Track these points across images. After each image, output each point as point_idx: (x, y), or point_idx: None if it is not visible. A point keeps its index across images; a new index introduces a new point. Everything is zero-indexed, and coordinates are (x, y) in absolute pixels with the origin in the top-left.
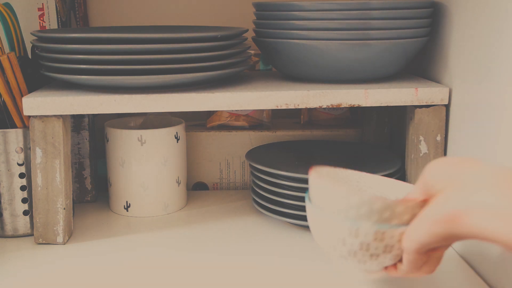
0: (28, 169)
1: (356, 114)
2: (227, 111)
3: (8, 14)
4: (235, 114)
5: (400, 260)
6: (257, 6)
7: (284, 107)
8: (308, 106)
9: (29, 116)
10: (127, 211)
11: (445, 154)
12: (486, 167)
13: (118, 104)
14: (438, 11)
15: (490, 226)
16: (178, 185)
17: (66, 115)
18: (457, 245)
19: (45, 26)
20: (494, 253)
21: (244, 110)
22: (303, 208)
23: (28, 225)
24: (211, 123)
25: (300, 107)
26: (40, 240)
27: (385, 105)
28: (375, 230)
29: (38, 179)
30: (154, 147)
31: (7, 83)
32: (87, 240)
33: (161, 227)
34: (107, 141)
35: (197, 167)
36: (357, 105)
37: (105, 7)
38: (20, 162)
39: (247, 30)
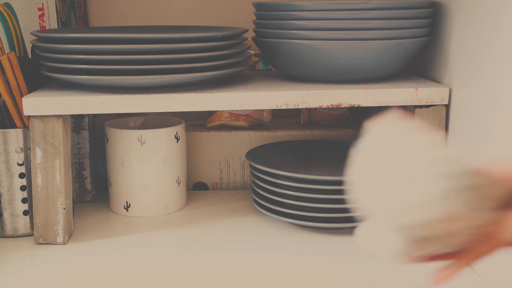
0: (28, 169)
1: (356, 114)
2: (227, 111)
3: (8, 14)
4: (235, 114)
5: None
6: (257, 6)
7: (284, 107)
8: (308, 106)
9: (29, 116)
10: (127, 211)
11: None
12: None
13: (118, 104)
14: (438, 11)
15: None
16: (178, 185)
17: (66, 115)
18: None
19: (45, 26)
20: None
21: (244, 110)
22: (303, 208)
23: (28, 225)
24: (211, 123)
25: (300, 107)
26: (40, 240)
27: (385, 105)
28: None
29: (38, 179)
30: (154, 147)
31: (7, 83)
32: (87, 240)
33: (161, 227)
34: (107, 141)
35: (197, 167)
36: (357, 105)
37: (105, 7)
38: (20, 162)
39: (247, 30)
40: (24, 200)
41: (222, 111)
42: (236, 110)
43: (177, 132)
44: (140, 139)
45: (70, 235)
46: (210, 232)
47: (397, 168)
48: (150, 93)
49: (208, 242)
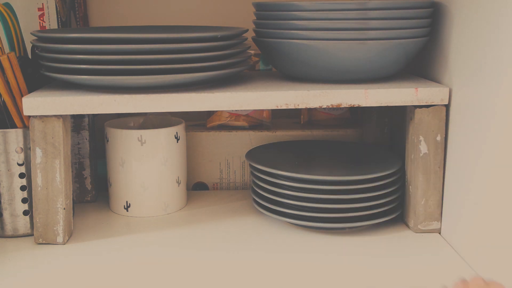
0: (28, 169)
1: (356, 114)
2: (227, 111)
3: (8, 14)
4: (235, 114)
5: None
6: (257, 6)
7: (284, 107)
8: (308, 106)
9: (29, 116)
10: (127, 211)
11: (445, 154)
12: None
13: (118, 104)
14: (438, 11)
15: None
16: (178, 185)
17: (66, 115)
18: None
19: (45, 26)
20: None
21: (244, 110)
22: (303, 208)
23: (28, 225)
24: (211, 123)
25: (300, 107)
26: (40, 240)
27: (385, 105)
28: None
29: (38, 179)
30: (154, 147)
31: (7, 83)
32: (87, 240)
33: (161, 227)
34: (107, 141)
35: (197, 167)
36: (357, 105)
37: (105, 7)
38: (20, 162)
39: (247, 30)
40: (24, 200)
41: (222, 111)
42: (236, 110)
43: (177, 132)
44: (140, 139)
45: (70, 235)
46: (210, 232)
47: None
48: (150, 93)
49: (208, 242)
